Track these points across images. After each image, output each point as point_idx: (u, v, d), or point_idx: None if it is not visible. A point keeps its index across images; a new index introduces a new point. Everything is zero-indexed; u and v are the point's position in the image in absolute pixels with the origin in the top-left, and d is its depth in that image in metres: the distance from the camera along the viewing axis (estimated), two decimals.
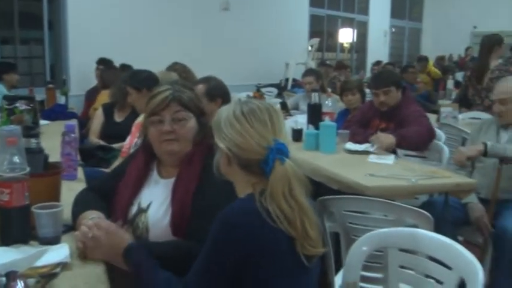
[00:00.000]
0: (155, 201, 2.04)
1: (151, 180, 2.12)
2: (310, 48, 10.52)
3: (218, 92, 3.33)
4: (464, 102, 5.99)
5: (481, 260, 3.38)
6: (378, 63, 11.58)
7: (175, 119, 2.03)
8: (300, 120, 3.98)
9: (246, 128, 1.60)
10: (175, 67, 4.54)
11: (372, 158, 3.40)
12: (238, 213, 1.54)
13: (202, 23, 8.89)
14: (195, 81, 3.66)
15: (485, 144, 3.14)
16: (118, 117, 4.59)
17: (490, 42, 5.73)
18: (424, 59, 10.94)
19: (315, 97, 3.89)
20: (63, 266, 1.63)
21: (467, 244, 3.71)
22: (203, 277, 1.54)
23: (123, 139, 3.68)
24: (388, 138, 3.58)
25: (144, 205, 2.05)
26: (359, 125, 4.05)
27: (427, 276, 1.95)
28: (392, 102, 3.90)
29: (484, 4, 14.87)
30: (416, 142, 3.64)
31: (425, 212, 2.34)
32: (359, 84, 4.67)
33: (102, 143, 4.33)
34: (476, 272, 1.68)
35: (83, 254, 1.75)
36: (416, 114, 3.84)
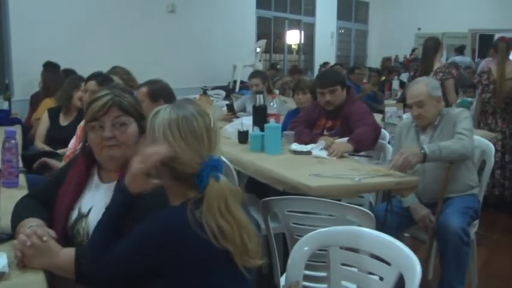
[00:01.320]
0: (96, 206, 2.00)
1: (92, 185, 2.09)
2: (257, 50, 10.56)
3: (161, 93, 3.32)
4: None
5: (428, 255, 3.52)
6: (325, 64, 11.73)
7: (116, 124, 2.00)
8: (246, 122, 3.98)
9: (179, 142, 1.58)
10: (115, 70, 4.50)
11: (315, 150, 3.50)
12: (168, 221, 1.55)
13: (148, 26, 8.81)
14: (139, 84, 3.63)
15: (423, 152, 3.16)
16: (63, 121, 4.53)
17: (436, 44, 5.88)
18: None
19: (259, 99, 3.90)
20: (1, 276, 1.60)
21: (413, 240, 3.83)
22: (118, 262, 1.58)
23: (69, 144, 3.62)
24: (344, 146, 3.56)
25: (84, 210, 2.02)
26: (305, 125, 4.10)
27: (369, 273, 2.00)
28: (337, 101, 3.96)
29: (427, 7, 15.25)
30: (370, 143, 3.70)
31: (367, 211, 2.39)
32: (312, 84, 4.72)
33: (47, 148, 4.25)
34: (414, 266, 1.73)
35: (22, 262, 1.71)
36: (360, 110, 3.92)
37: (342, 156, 3.47)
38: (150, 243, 1.52)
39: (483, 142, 3.84)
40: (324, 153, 3.53)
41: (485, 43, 12.22)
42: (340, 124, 3.97)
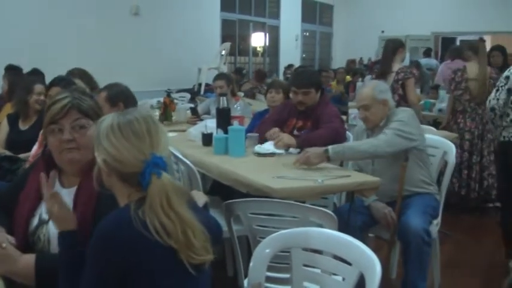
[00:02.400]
0: None
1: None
2: (222, 52, 10.56)
3: (120, 97, 3.30)
4: None
5: (388, 254, 3.58)
6: (289, 66, 11.82)
7: (75, 127, 1.99)
8: (210, 124, 3.97)
9: (122, 141, 1.61)
10: (73, 72, 4.45)
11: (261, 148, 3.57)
12: (113, 224, 1.55)
13: (112, 28, 8.75)
14: (99, 89, 3.60)
15: (327, 156, 3.23)
16: (23, 126, 4.45)
17: (395, 46, 5.94)
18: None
19: (223, 101, 3.90)
20: None
21: (378, 240, 3.88)
22: None
23: (30, 148, 3.56)
24: (288, 139, 3.67)
25: (45, 216, 1.98)
26: (274, 125, 4.07)
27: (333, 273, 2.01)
28: (310, 103, 3.98)
29: (390, 9, 15.45)
30: (320, 145, 3.72)
31: (330, 212, 2.40)
32: (287, 85, 4.74)
33: (8, 153, 4.18)
34: (374, 266, 1.75)
35: None
36: (331, 113, 3.95)
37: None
38: (101, 257, 1.52)
39: (444, 142, 3.90)
40: (271, 146, 3.61)
41: (448, 46, 12.44)
42: (311, 125, 3.99)
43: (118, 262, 1.50)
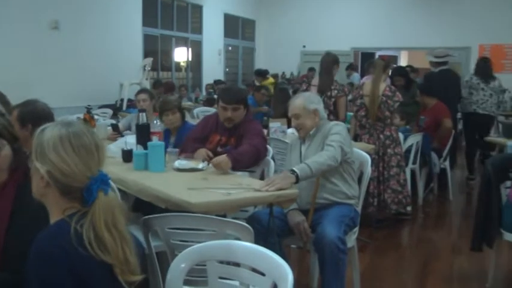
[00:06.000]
0: None
1: None
2: (144, 68, 10.50)
3: (29, 117, 3.18)
4: None
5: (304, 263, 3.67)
6: (218, 82, 11.98)
7: None
8: (130, 140, 3.96)
9: (72, 155, 1.59)
10: None
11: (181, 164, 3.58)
12: (50, 240, 1.53)
13: (29, 42, 8.53)
14: (13, 106, 3.49)
15: (295, 175, 3.26)
16: None
17: (334, 61, 6.12)
18: (263, 73, 11.55)
19: (142, 117, 3.90)
20: None
21: (299, 250, 3.97)
22: None
23: None
24: (226, 165, 3.56)
25: None
26: (198, 142, 4.10)
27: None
28: (238, 119, 4.03)
29: (311, 25, 15.78)
30: (246, 162, 3.76)
31: (246, 225, 2.45)
32: (179, 102, 4.71)
33: None
34: (286, 275, 1.81)
35: None
36: (254, 131, 4.01)
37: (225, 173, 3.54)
38: (41, 273, 1.50)
39: (360, 154, 4.05)
40: (198, 165, 3.61)
41: (367, 61, 12.87)
42: (234, 141, 4.03)
43: (59, 278, 1.49)
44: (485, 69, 7.98)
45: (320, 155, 3.46)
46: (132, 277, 1.60)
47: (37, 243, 1.53)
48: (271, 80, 12.20)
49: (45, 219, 1.66)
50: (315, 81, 6.24)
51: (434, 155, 6.81)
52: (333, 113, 5.92)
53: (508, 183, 4.07)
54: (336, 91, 5.96)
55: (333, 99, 5.96)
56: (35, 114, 3.21)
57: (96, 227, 1.55)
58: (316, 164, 3.37)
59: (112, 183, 3.10)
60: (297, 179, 3.25)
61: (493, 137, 6.99)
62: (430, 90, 7.19)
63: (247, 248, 1.99)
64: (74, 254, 1.51)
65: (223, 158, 3.58)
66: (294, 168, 3.29)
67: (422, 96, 7.17)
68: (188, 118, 6.98)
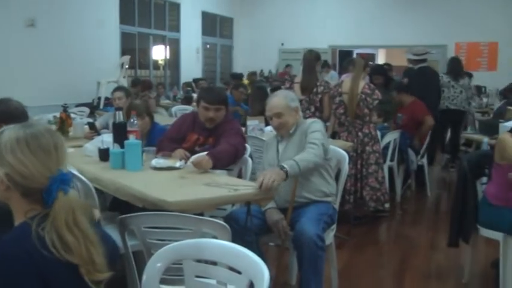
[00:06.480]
0: None
1: None
2: (121, 66, 10.44)
3: (1, 117, 3.11)
4: None
5: (281, 260, 3.67)
6: (199, 81, 11.95)
7: None
8: (106, 139, 3.92)
9: (29, 157, 1.57)
10: None
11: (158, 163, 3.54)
12: (11, 244, 1.51)
13: (4, 40, 8.44)
14: None
15: (285, 171, 3.26)
16: None
17: (317, 57, 6.13)
18: (238, 76, 11.59)
19: (119, 116, 3.86)
20: None
21: (277, 248, 3.97)
22: None
23: None
24: (207, 163, 3.52)
25: None
26: (175, 141, 4.08)
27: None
28: (219, 120, 4.02)
29: (289, 23, 15.81)
30: (225, 161, 3.74)
31: (223, 223, 2.45)
32: (147, 107, 4.66)
33: None
34: (262, 272, 1.80)
35: None
36: (232, 131, 4.00)
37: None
38: (6, 279, 1.47)
39: (338, 151, 4.06)
40: (175, 163, 3.58)
41: (345, 58, 12.92)
42: (213, 141, 4.02)
43: (24, 281, 1.46)
44: (455, 68, 8.53)
45: (307, 152, 3.45)
46: (99, 275, 1.58)
47: (0, 246, 1.51)
48: (246, 81, 12.19)
49: (11, 222, 1.65)
50: (298, 78, 6.24)
51: (411, 152, 6.87)
52: (319, 110, 5.95)
53: (484, 179, 4.13)
54: (322, 87, 5.97)
55: (319, 96, 5.97)
56: (7, 114, 3.17)
57: (57, 227, 1.53)
58: (305, 161, 3.37)
59: (88, 183, 3.12)
60: (286, 175, 3.25)
61: (469, 133, 7.05)
62: (406, 88, 7.26)
63: (224, 246, 1.98)
64: (38, 257, 1.49)
65: (203, 157, 3.56)
66: (284, 165, 3.29)
67: (399, 93, 7.22)
68: (166, 116, 6.96)
